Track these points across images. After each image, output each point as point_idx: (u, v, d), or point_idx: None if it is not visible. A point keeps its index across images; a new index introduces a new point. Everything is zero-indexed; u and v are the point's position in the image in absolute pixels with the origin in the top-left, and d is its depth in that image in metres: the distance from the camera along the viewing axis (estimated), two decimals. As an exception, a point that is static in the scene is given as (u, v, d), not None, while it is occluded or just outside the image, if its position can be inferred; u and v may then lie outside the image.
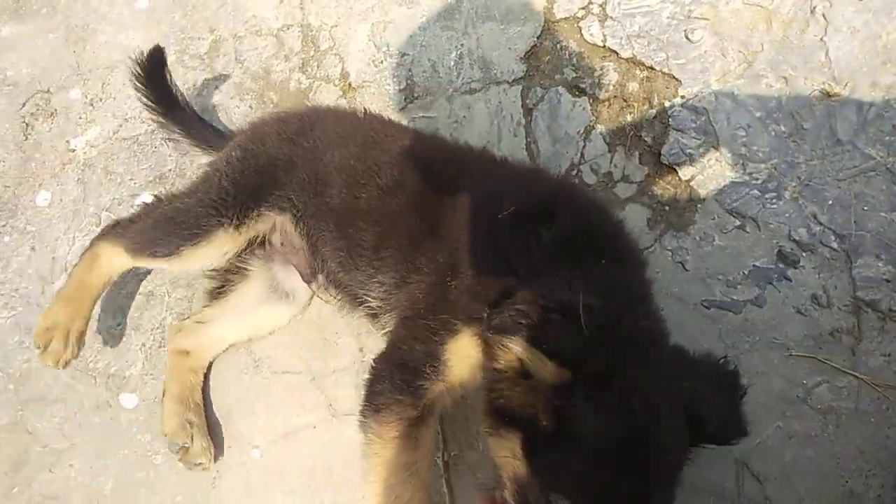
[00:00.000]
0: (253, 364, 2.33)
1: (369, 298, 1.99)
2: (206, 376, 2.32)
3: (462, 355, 1.68)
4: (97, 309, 2.47)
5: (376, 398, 1.71)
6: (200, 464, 2.14)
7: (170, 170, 2.68)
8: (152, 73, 2.52)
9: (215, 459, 2.19)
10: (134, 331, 2.45)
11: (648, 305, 1.70)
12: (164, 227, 2.16)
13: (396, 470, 1.65)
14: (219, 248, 2.15)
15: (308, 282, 2.25)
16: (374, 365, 1.81)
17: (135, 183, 2.68)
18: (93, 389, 2.36)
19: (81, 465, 2.27)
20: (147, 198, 2.64)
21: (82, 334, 2.23)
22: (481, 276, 1.70)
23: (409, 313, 1.82)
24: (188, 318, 2.38)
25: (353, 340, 2.32)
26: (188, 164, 2.67)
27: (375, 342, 2.28)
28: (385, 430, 1.67)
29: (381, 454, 1.67)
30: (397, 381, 1.69)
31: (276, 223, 2.18)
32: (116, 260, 2.25)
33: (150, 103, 2.53)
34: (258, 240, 2.22)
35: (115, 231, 2.27)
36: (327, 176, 2.07)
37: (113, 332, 2.45)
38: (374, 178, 2.00)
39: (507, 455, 1.49)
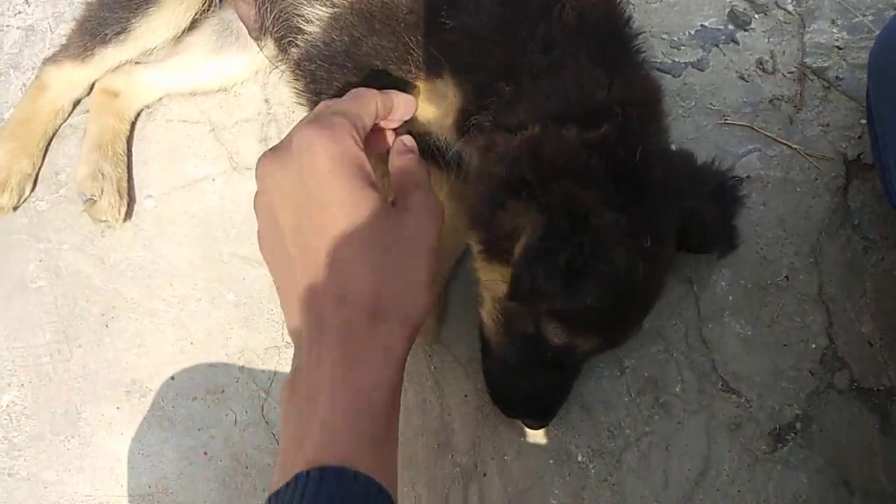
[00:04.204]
0: (145, 110, 2.10)
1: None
2: (133, 127, 2.08)
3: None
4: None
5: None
6: (106, 221, 1.94)
7: None
8: None
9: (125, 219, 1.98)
10: (13, 69, 2.17)
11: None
12: (109, 3, 1.91)
13: None
14: (172, 10, 1.91)
15: (256, 38, 1.98)
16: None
17: None
18: (-34, 130, 2.12)
19: (-44, 208, 2.08)
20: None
21: (28, 177, 1.99)
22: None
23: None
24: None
25: (258, 91, 2.10)
26: None
27: (284, 94, 2.07)
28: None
29: None
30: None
31: None
32: (66, 78, 1.99)
33: None
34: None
35: (57, 53, 2.01)
36: None
37: (-12, 71, 2.17)
38: None
39: (497, 278, 1.31)
